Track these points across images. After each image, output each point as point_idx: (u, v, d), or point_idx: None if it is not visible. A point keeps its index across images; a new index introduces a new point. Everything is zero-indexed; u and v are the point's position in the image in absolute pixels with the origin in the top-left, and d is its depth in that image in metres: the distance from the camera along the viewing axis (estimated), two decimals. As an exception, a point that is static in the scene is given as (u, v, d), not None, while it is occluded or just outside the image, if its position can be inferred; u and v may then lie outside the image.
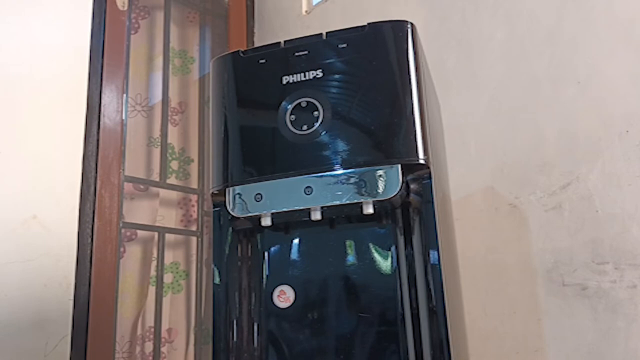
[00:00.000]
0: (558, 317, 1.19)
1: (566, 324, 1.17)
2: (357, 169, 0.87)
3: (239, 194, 0.92)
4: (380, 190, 0.86)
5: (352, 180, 0.87)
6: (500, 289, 1.29)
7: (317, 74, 0.92)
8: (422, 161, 0.86)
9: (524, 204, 1.29)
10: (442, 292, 0.85)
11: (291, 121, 0.91)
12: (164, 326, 1.85)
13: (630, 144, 1.16)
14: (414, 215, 0.92)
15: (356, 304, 0.94)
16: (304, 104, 0.92)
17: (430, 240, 0.88)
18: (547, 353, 1.19)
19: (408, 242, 0.93)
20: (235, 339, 0.96)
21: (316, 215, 0.90)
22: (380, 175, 0.86)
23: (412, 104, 0.89)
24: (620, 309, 1.11)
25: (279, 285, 0.97)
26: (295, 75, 0.93)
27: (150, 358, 1.79)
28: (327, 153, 0.89)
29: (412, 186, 0.90)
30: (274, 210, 0.90)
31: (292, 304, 0.95)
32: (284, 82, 0.94)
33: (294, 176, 0.89)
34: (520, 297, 1.25)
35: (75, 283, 1.50)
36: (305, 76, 0.93)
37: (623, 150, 1.17)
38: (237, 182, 0.92)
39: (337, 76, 0.92)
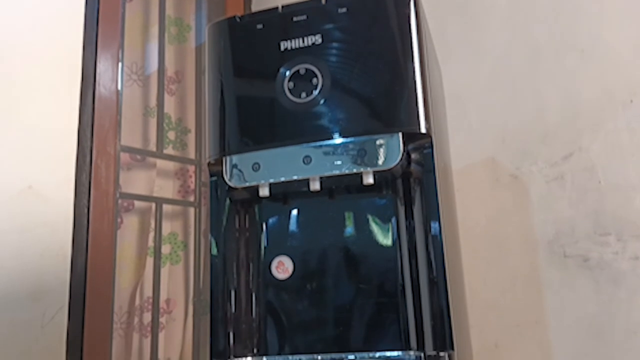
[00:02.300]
0: (559, 288, 1.18)
1: (567, 296, 1.17)
2: (357, 138, 0.85)
3: (235, 164, 0.90)
4: (381, 159, 0.84)
5: (352, 149, 0.85)
6: (500, 260, 1.28)
7: (316, 40, 0.90)
8: (423, 130, 0.84)
9: (525, 175, 1.27)
10: (443, 263, 0.84)
11: (289, 89, 0.89)
12: (163, 297, 1.84)
13: (634, 113, 1.14)
14: (415, 186, 0.90)
15: (356, 275, 0.93)
16: (302, 71, 0.89)
17: (431, 211, 0.86)
18: (547, 324, 1.19)
19: (408, 213, 0.91)
20: (233, 309, 0.95)
21: (315, 186, 0.88)
22: (380, 145, 0.84)
23: (413, 72, 0.87)
24: (622, 281, 1.10)
25: (277, 256, 0.96)
26: (293, 41, 0.91)
27: (149, 328, 1.80)
28: (326, 122, 0.87)
29: (413, 156, 0.88)
30: (271, 181, 0.89)
31: (291, 275, 0.94)
32: (282, 48, 0.91)
33: (293, 145, 0.87)
34: (520, 268, 1.25)
35: (72, 253, 1.49)
36: (303, 42, 0.90)
37: (627, 120, 1.15)
38: (234, 152, 0.90)
39: (336, 42, 0.90)
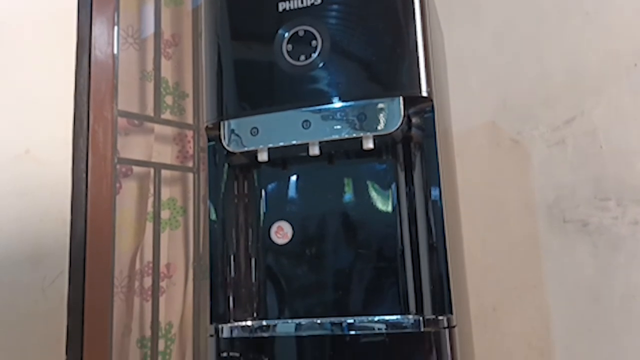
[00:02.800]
0: (558, 253, 1.18)
1: (566, 260, 1.17)
2: (357, 102, 0.84)
3: (234, 128, 0.89)
4: (381, 124, 0.83)
5: (352, 113, 0.84)
6: (500, 225, 1.28)
7: (316, 1, 0.88)
8: (424, 94, 0.83)
9: (526, 140, 1.26)
10: (443, 228, 0.83)
11: (288, 51, 0.87)
12: (163, 261, 1.85)
13: (638, 78, 1.12)
14: (415, 151, 0.89)
15: (355, 240, 0.93)
16: (301, 33, 0.87)
17: (432, 176, 0.86)
18: (545, 289, 1.20)
19: (409, 178, 0.91)
20: (233, 274, 0.95)
21: (314, 151, 0.87)
22: (381, 109, 0.83)
23: (415, 34, 0.85)
24: (621, 245, 1.10)
25: (276, 221, 0.95)
26: (292, 2, 0.88)
27: (150, 292, 1.81)
28: (326, 85, 0.85)
29: (413, 120, 0.87)
30: (270, 145, 0.88)
31: (290, 240, 0.94)
32: (280, 9, 0.89)
33: (291, 109, 0.86)
34: (520, 233, 1.25)
35: (71, 218, 1.48)
36: (302, 3, 0.88)
37: (630, 84, 1.13)
38: (232, 116, 0.89)
39: (336, 4, 0.88)
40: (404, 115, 0.83)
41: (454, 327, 0.82)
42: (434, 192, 0.85)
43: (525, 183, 1.25)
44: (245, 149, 0.89)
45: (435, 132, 0.85)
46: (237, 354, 0.89)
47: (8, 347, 1.33)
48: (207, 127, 0.93)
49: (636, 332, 1.07)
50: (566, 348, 1.15)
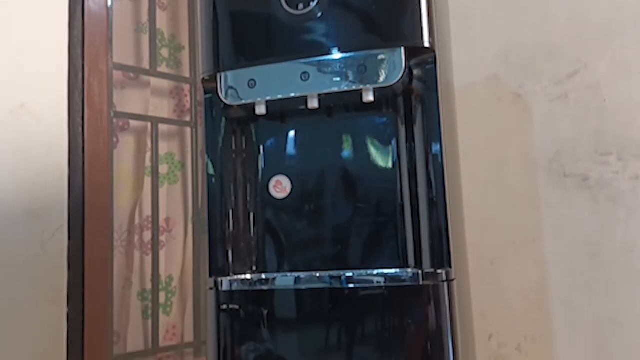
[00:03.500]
0: (557, 207, 1.18)
1: (565, 215, 1.17)
2: (357, 53, 0.81)
3: (230, 80, 0.87)
4: (382, 76, 0.81)
5: (352, 65, 0.82)
6: (500, 179, 1.28)
7: (315, -52, 0.84)
8: (427, 45, 0.81)
9: (528, 94, 1.24)
10: (443, 182, 0.83)
11: (286, 0, 0.84)
12: (162, 216, 1.85)
13: (645, 29, 1.09)
14: (416, 104, 0.88)
15: (355, 195, 0.92)
16: (300, -19, 0.84)
17: (433, 130, 0.84)
18: (544, 243, 1.20)
19: (409, 132, 0.89)
20: (231, 229, 0.95)
21: (313, 104, 0.86)
22: (381, 60, 0.81)
23: (417, -17, 0.82)
24: (621, 200, 1.10)
25: (275, 175, 0.95)
26: (290, -51, 0.85)
27: (149, 246, 1.82)
28: (325, 36, 0.83)
29: (415, 72, 0.85)
30: (268, 98, 0.86)
31: (289, 194, 0.94)
32: (278, -44, 0.86)
33: (290, 61, 0.84)
34: (520, 188, 1.24)
35: (69, 173, 1.48)
36: (301, -51, 0.85)
37: (635, 37, 1.11)
38: (229, 68, 0.87)
39: (336, -50, 0.84)
40: (406, 67, 0.81)
41: (452, 280, 0.82)
42: (435, 147, 0.84)
43: (526, 138, 1.24)
44: (243, 101, 0.87)
45: (437, 85, 0.84)
46: (236, 307, 0.90)
47: (9, 300, 1.34)
48: (203, 79, 0.91)
49: (634, 286, 1.08)
50: (564, 301, 1.16)
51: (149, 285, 1.80)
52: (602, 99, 1.14)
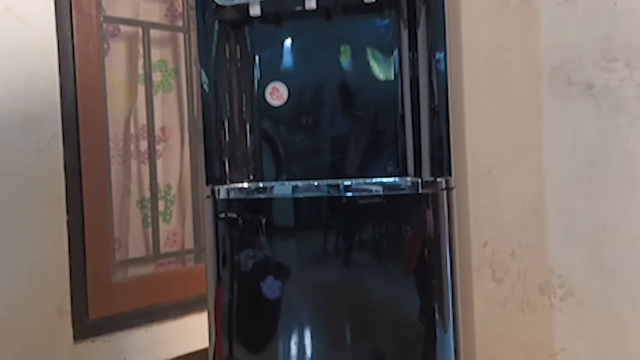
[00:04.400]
0: (559, 116, 1.16)
1: (567, 123, 1.15)
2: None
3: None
4: (383, -27, 0.76)
5: (351, -39, 0.77)
6: (502, 87, 1.25)
7: None
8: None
9: (536, -4, 1.19)
10: (446, 92, 0.81)
11: None
12: (158, 124, 1.83)
13: None
14: (420, 5, 0.83)
15: (354, 102, 0.90)
16: None
17: (437, 35, 0.81)
18: (544, 152, 1.19)
19: (412, 38, 0.86)
20: (227, 138, 0.93)
21: (311, 4, 0.82)
22: (383, -44, 0.76)
23: None
24: (624, 108, 1.08)
25: (271, 82, 0.92)
26: None
27: (146, 155, 1.81)
28: None
29: (418, -30, 0.80)
30: (263, -3, 0.82)
31: (286, 102, 0.91)
32: None
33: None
34: (522, 95, 1.22)
35: (60, 80, 1.44)
36: None
37: None
38: (222, -34, 0.82)
39: None
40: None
41: (452, 188, 0.82)
42: (439, 53, 0.81)
43: (532, 44, 1.20)
44: (236, 1, 0.83)
45: (441, -16, 0.79)
46: (234, 215, 0.90)
47: (9, 208, 1.35)
48: (194, -23, 0.86)
49: (631, 193, 1.08)
50: (560, 209, 1.17)
51: (147, 194, 1.81)
52: (613, 2, 1.09)
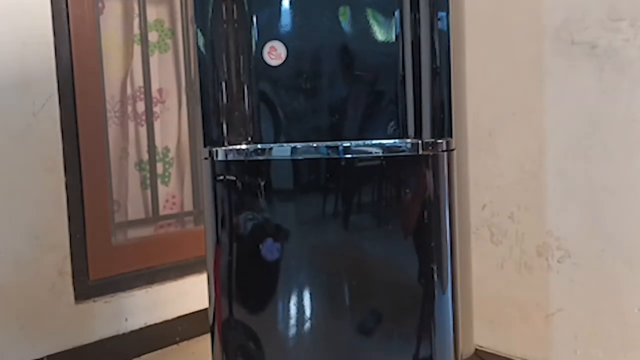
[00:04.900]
0: (562, 77, 1.15)
1: (569, 85, 1.14)
2: None
3: None
4: None
5: None
6: (504, 48, 1.23)
7: None
8: None
9: (540, -46, 1.16)
10: (448, 53, 0.79)
11: None
12: (154, 86, 1.81)
13: None
14: (422, -37, 0.81)
15: (354, 62, 0.88)
16: None
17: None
18: (544, 114, 1.18)
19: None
20: (225, 100, 0.92)
21: (309, -38, 0.79)
22: None
23: None
24: (628, 70, 1.06)
25: (268, 41, 0.90)
26: None
27: (144, 117, 1.80)
28: None
29: None
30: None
31: (284, 61, 0.90)
32: None
33: None
34: (524, 57, 1.20)
35: (55, 41, 1.42)
36: None
37: None
38: None
39: None
40: None
41: (452, 150, 0.81)
42: (441, 13, 0.79)
43: (535, 4, 1.17)
44: (233, -41, 0.80)
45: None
46: (233, 178, 0.90)
47: (7, 170, 1.34)
48: None
49: (631, 156, 1.07)
50: (559, 172, 1.16)
51: (145, 156, 1.80)
52: (619, -41, 1.06)
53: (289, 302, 0.89)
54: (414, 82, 0.84)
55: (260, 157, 0.88)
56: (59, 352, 1.42)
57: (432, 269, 0.82)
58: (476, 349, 1.28)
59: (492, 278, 1.29)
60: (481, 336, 1.31)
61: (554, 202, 1.18)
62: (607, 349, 1.13)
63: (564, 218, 1.17)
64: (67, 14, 1.45)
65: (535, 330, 1.23)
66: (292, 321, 0.89)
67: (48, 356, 1.40)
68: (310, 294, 0.88)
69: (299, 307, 0.88)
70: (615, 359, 1.12)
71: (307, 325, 0.88)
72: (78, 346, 1.46)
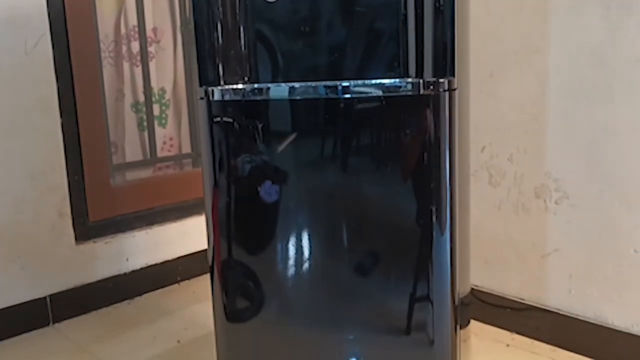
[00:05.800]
0: (566, 14, 1.11)
1: (573, 23, 1.11)
2: None
3: None
4: None
5: None
6: (508, -16, 1.19)
7: None
8: None
9: None
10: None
11: None
12: (149, 25, 1.77)
13: None
14: None
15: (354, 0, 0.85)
16: None
17: None
18: (547, 53, 1.15)
19: None
20: (220, 39, 0.90)
21: None
22: None
23: None
24: (635, 8, 1.03)
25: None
26: None
27: (139, 58, 1.76)
28: None
29: None
30: None
31: (282, -2, 0.87)
32: None
33: None
34: (528, -7, 1.16)
35: (45, -23, 1.37)
36: None
37: None
38: None
39: None
40: None
41: (454, 90, 0.79)
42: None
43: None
44: None
45: None
46: (230, 119, 0.88)
47: (1, 110, 1.32)
48: None
49: (634, 96, 1.05)
50: (561, 113, 1.15)
51: (141, 98, 1.78)
52: None
53: (287, 243, 0.89)
54: (416, 19, 0.81)
55: (258, 97, 0.86)
56: (61, 292, 1.45)
57: (431, 210, 0.82)
58: (472, 288, 1.30)
59: (489, 219, 1.29)
60: (477, 276, 1.33)
61: (554, 144, 1.17)
62: (601, 289, 1.15)
63: (563, 160, 1.17)
64: (56, -52, 1.40)
65: (531, 270, 1.24)
66: (291, 261, 0.89)
67: (50, 295, 1.43)
68: (309, 235, 0.88)
69: (298, 248, 0.89)
70: (609, 298, 1.14)
71: (306, 265, 0.89)
72: (80, 285, 1.48)
